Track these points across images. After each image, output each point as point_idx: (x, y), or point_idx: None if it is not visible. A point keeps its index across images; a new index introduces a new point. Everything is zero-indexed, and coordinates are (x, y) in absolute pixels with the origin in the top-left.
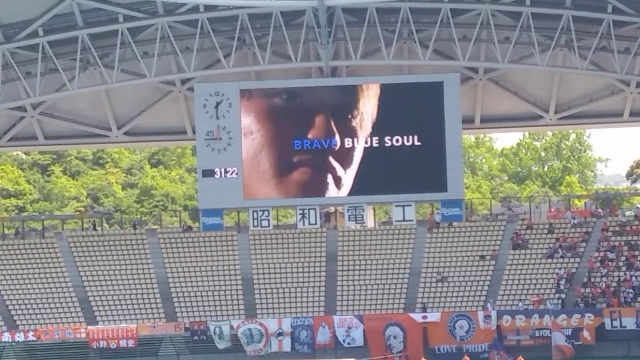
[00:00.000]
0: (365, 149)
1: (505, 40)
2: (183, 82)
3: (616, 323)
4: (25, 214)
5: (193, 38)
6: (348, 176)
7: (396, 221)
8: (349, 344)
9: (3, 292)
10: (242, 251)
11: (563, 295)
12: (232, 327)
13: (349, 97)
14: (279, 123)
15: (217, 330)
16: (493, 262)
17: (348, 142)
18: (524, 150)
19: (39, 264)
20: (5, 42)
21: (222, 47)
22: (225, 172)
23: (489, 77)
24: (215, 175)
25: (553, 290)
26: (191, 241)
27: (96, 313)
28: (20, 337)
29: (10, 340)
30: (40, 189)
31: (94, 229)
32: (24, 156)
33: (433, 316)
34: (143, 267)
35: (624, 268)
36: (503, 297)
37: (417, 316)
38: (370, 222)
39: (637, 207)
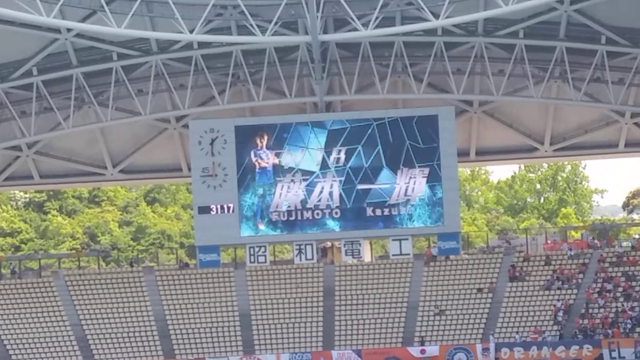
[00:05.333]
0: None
1: (499, 73)
2: (178, 119)
3: (615, 354)
4: (21, 253)
5: (187, 75)
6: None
7: (393, 255)
8: None
9: (0, 332)
10: (239, 287)
11: (561, 327)
12: None
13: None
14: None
15: None
16: (490, 295)
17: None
18: (519, 183)
19: (36, 303)
20: None
21: (217, 84)
22: (221, 208)
23: (484, 109)
24: (212, 212)
25: (551, 322)
26: (188, 278)
27: (94, 351)
28: None
29: None
30: (36, 228)
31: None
32: (20, 194)
33: (431, 350)
34: (140, 305)
35: (621, 299)
36: (501, 330)
37: (416, 350)
38: (367, 257)
39: (634, 238)
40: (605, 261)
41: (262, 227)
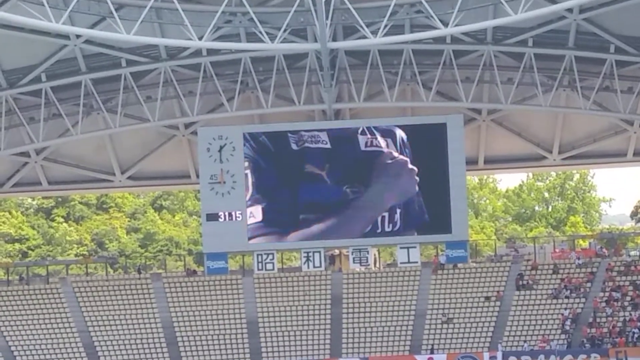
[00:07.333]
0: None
1: (508, 81)
2: (186, 126)
3: None
4: (29, 259)
5: (196, 82)
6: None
7: (401, 263)
8: None
9: (8, 339)
10: (247, 295)
11: (569, 336)
12: None
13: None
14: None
15: None
16: (498, 303)
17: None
18: (527, 191)
19: (43, 310)
20: (8, 88)
21: (225, 91)
22: (230, 215)
23: (492, 118)
24: (220, 219)
25: (559, 331)
26: (196, 285)
27: (101, 358)
28: None
29: None
30: (43, 234)
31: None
32: (29, 201)
33: (439, 358)
34: (148, 312)
35: (629, 308)
36: (509, 338)
37: (423, 358)
38: (374, 265)
39: None
40: (613, 270)
41: (269, 234)
